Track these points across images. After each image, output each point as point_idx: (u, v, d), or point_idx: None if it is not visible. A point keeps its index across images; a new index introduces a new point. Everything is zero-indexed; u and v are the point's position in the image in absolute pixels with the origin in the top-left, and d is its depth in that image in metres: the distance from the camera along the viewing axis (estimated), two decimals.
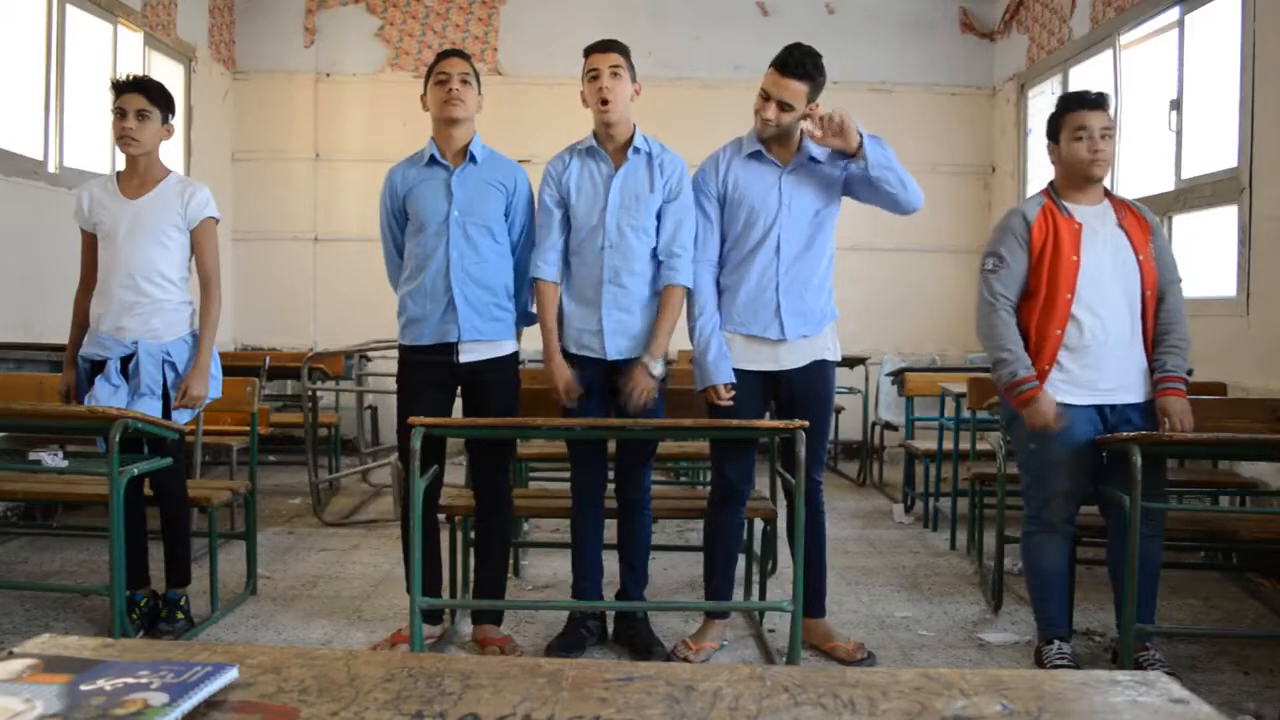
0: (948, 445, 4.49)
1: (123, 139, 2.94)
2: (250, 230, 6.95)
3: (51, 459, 3.01)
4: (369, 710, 0.79)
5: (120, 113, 2.93)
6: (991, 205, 7.10)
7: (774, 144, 2.86)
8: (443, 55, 2.89)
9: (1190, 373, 2.79)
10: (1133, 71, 5.38)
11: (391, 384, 6.28)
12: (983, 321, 2.83)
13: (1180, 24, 4.84)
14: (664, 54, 6.93)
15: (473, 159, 2.87)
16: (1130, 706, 0.82)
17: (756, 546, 3.44)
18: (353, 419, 5.94)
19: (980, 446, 4.07)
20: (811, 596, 2.90)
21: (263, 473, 5.10)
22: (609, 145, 2.88)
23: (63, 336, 4.55)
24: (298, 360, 4.92)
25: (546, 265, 2.88)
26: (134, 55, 5.69)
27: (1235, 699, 2.60)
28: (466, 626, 3.11)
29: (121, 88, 2.96)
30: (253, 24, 6.93)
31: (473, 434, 3.05)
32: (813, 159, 2.87)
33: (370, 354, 6.01)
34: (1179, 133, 4.81)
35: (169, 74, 6.17)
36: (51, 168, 4.86)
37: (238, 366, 4.40)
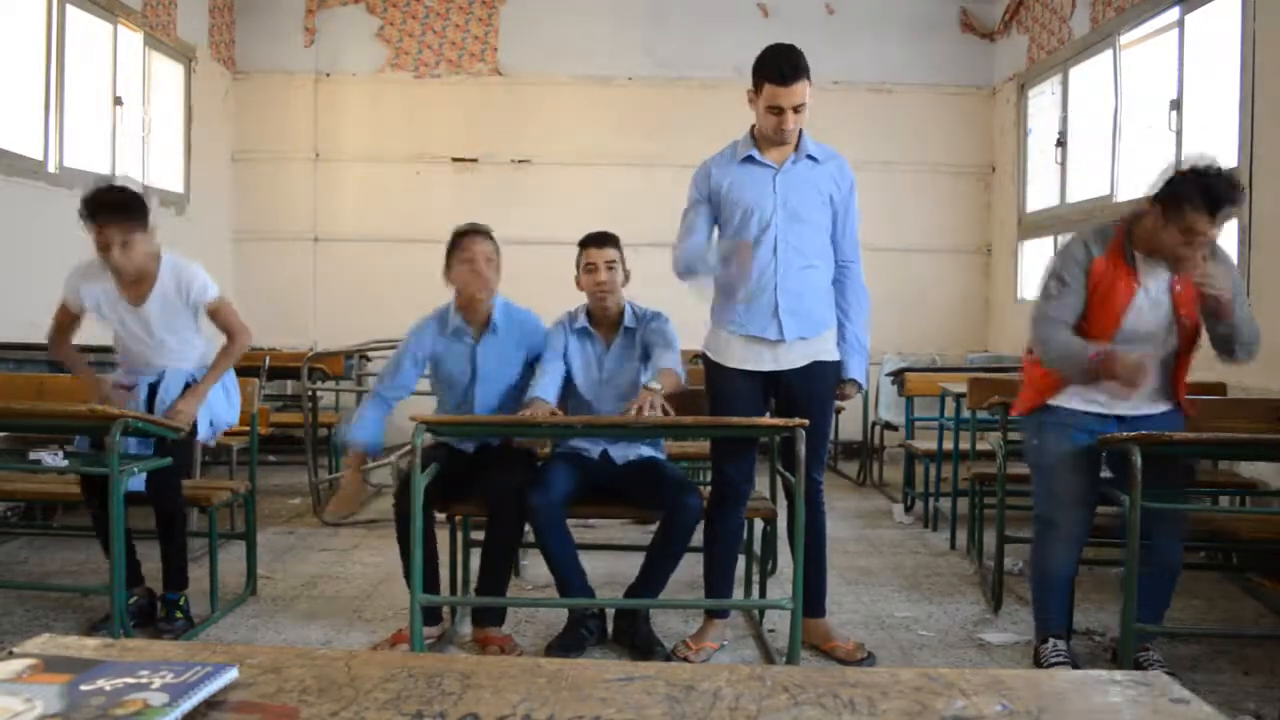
0: (948, 445, 4.49)
1: (114, 269, 2.88)
2: (250, 230, 6.95)
3: (51, 459, 3.01)
4: (369, 710, 0.79)
5: (103, 243, 2.80)
6: (991, 205, 7.10)
7: (768, 147, 2.86)
8: (464, 233, 3.04)
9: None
10: (1133, 71, 5.38)
11: None
12: (1043, 336, 2.69)
13: (1180, 24, 4.84)
14: (664, 54, 6.93)
15: (494, 329, 3.09)
16: (1130, 706, 0.82)
17: (756, 546, 3.44)
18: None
19: (980, 446, 4.07)
20: (811, 596, 2.89)
21: (263, 473, 5.10)
22: (603, 323, 3.13)
23: None
24: (298, 360, 4.92)
25: (545, 392, 2.98)
26: (134, 55, 5.70)
27: (1235, 699, 2.60)
28: (467, 627, 3.11)
29: (94, 215, 2.79)
30: (253, 24, 6.93)
31: (473, 432, 3.05)
32: (810, 157, 2.87)
33: (370, 354, 6.01)
34: (1179, 133, 4.81)
35: (169, 74, 6.17)
36: (51, 168, 4.86)
37: (238, 367, 4.39)
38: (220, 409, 3.14)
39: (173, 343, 3.05)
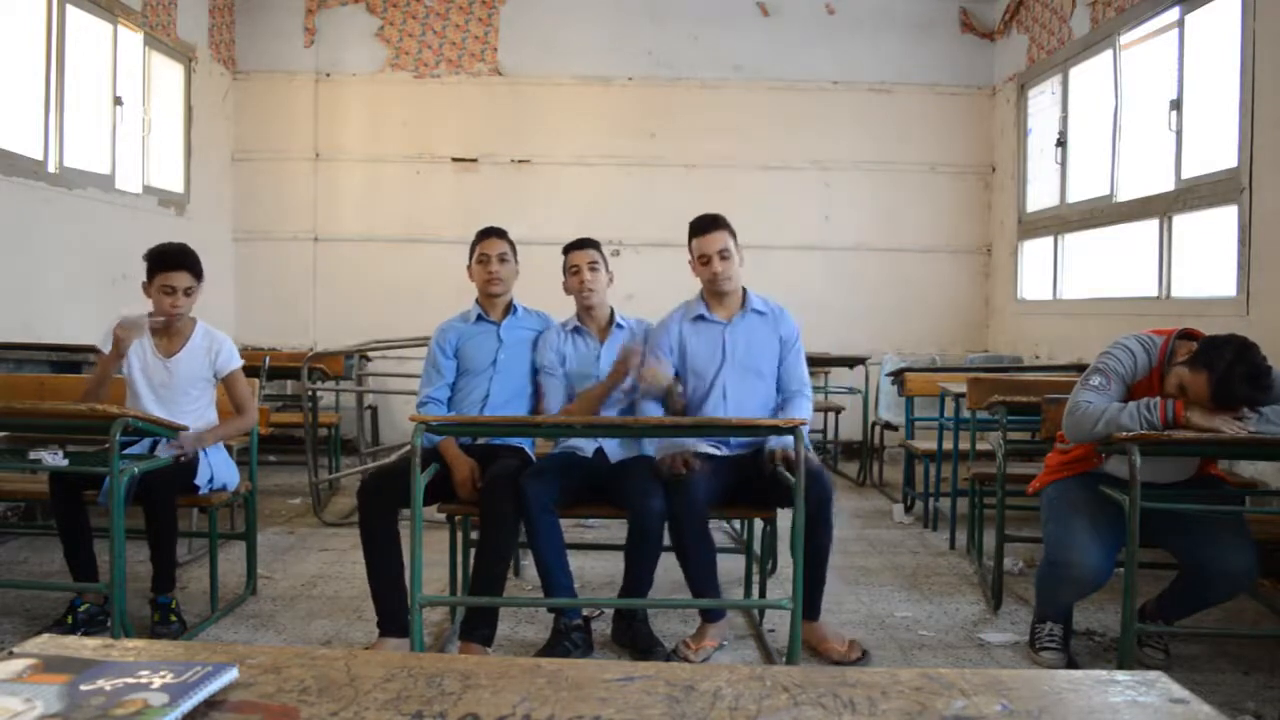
0: (947, 445, 4.50)
1: (170, 314, 3.09)
2: (250, 230, 6.95)
3: (51, 458, 3.01)
4: (369, 710, 0.79)
5: (168, 289, 3.07)
6: (991, 205, 7.10)
7: (716, 303, 3.14)
8: (484, 235, 3.30)
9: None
10: (1133, 71, 5.38)
11: (391, 384, 6.31)
12: (1089, 419, 2.66)
13: (1180, 24, 4.85)
14: (664, 54, 6.94)
15: (514, 311, 3.34)
16: (1130, 706, 0.82)
17: (756, 546, 3.44)
18: (353, 419, 5.95)
19: (980, 446, 4.06)
20: (807, 598, 2.89)
21: (263, 473, 5.10)
22: (593, 323, 3.29)
23: (62, 336, 4.57)
24: (298, 360, 4.92)
25: (554, 407, 3.21)
26: (134, 55, 5.70)
27: (1235, 699, 2.60)
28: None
29: (166, 263, 3.08)
30: (253, 24, 6.93)
31: (473, 431, 3.05)
32: (756, 311, 3.12)
33: (370, 354, 6.01)
34: (1179, 133, 4.81)
35: (169, 74, 6.17)
36: (51, 168, 4.86)
37: None
38: (222, 467, 3.25)
39: (187, 404, 3.16)
